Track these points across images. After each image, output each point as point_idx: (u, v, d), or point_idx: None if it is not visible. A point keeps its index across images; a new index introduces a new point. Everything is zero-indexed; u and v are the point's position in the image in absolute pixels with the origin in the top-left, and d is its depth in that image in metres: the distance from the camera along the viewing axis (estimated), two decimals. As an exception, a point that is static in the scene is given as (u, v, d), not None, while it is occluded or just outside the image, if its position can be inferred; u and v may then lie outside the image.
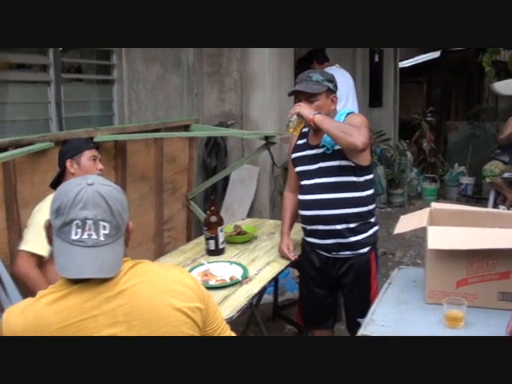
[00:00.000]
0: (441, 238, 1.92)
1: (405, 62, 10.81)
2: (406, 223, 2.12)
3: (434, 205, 2.28)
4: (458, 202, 6.84)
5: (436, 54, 10.34)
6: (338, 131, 2.38)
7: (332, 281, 2.69)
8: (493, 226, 2.04)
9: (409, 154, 7.41)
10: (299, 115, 2.47)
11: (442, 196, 7.18)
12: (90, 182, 1.28)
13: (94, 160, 2.70)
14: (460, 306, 1.83)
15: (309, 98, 2.52)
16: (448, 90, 11.49)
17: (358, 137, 2.34)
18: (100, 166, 2.70)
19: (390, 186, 6.95)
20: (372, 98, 8.33)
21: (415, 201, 7.18)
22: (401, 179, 6.95)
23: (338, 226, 2.55)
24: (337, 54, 6.68)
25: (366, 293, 2.59)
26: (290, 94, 2.67)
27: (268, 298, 3.91)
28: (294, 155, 2.73)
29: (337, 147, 2.51)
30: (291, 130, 2.53)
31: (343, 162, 2.52)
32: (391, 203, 6.96)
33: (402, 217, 2.21)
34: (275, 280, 3.57)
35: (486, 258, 1.95)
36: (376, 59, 8.81)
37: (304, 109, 2.47)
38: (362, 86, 7.75)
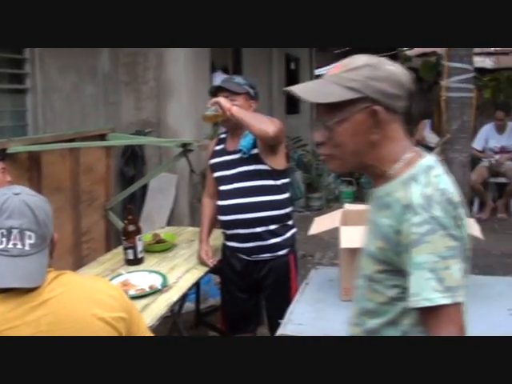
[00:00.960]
0: (353, 236, 1.99)
1: (321, 69, 11.09)
2: (320, 224, 2.18)
3: (347, 206, 2.36)
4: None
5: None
6: (251, 120, 2.46)
7: (253, 284, 2.73)
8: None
9: (326, 159, 7.59)
10: (218, 104, 2.51)
11: (359, 198, 7.38)
12: (16, 192, 1.28)
13: (3, 172, 2.60)
14: (373, 302, 1.90)
15: (229, 97, 2.57)
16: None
17: (270, 125, 2.44)
18: (8, 177, 2.61)
19: (308, 191, 7.09)
20: (289, 104, 8.49)
21: (333, 204, 7.36)
22: (318, 183, 7.12)
23: (258, 229, 2.59)
24: (253, 61, 6.79)
25: (287, 294, 2.63)
26: (211, 91, 2.69)
27: (190, 305, 3.89)
28: (212, 161, 2.76)
29: (253, 151, 2.57)
30: (206, 118, 2.59)
31: (260, 166, 2.58)
32: (310, 207, 7.10)
33: (316, 218, 2.28)
34: (197, 287, 3.57)
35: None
36: (292, 66, 9.00)
37: (223, 99, 2.52)
38: (278, 93, 7.90)
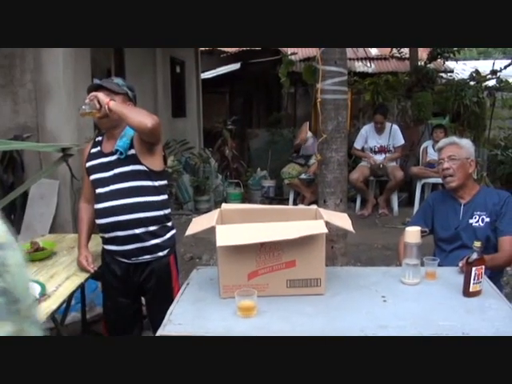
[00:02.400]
0: (229, 235, 2.03)
1: (207, 73, 11.14)
2: (197, 224, 2.20)
3: (224, 205, 2.39)
4: (262, 203, 7.20)
5: (237, 66, 10.80)
6: (129, 112, 2.45)
7: (135, 288, 2.69)
8: (279, 220, 2.20)
9: (213, 162, 7.65)
10: (96, 99, 2.46)
11: (247, 199, 7.50)
12: None
13: None
14: (251, 297, 1.95)
15: (108, 95, 2.53)
16: (249, 99, 12.08)
17: (148, 118, 2.44)
18: None
19: (196, 193, 7.09)
20: (175, 108, 8.46)
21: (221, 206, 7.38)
22: (206, 186, 7.14)
23: (137, 231, 2.57)
24: (136, 63, 6.69)
25: (169, 296, 2.62)
26: (89, 89, 2.62)
27: (77, 315, 3.78)
28: (88, 164, 2.70)
29: (130, 152, 2.55)
30: (83, 114, 2.52)
31: (137, 167, 2.56)
32: (198, 210, 7.08)
33: (194, 219, 2.29)
34: (82, 296, 3.47)
35: (272, 249, 2.10)
36: (178, 70, 8.96)
37: (101, 94, 2.48)
38: (163, 96, 7.85)
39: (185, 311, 2.02)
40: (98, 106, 2.46)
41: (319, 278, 2.19)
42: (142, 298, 2.85)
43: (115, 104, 2.46)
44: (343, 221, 2.39)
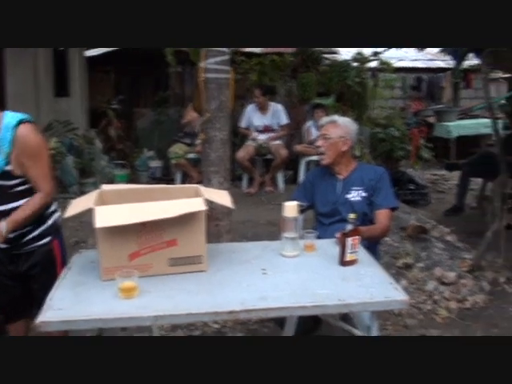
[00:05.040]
0: (108, 216, 2.00)
1: (92, 50, 10.69)
2: (76, 206, 2.14)
3: (104, 186, 2.35)
4: (149, 184, 7.09)
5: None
6: (27, 219, 2.43)
7: (20, 274, 2.58)
8: (161, 200, 2.20)
9: (98, 143, 7.42)
10: None
11: (134, 181, 7.32)
12: None
13: None
14: (131, 278, 1.94)
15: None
16: (137, 78, 11.78)
17: (41, 206, 2.44)
18: None
19: (81, 176, 6.85)
20: (58, 87, 8.09)
21: (102, 187, 7.19)
22: (91, 168, 6.91)
23: None
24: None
25: (54, 282, 2.54)
26: None
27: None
28: None
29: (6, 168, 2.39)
30: None
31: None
32: (84, 192, 6.77)
33: (72, 201, 2.23)
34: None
35: (154, 229, 2.10)
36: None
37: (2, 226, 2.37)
38: (45, 75, 7.49)
39: (65, 296, 1.98)
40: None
41: (201, 255, 2.22)
42: None
43: (7, 227, 2.34)
44: (223, 198, 2.43)
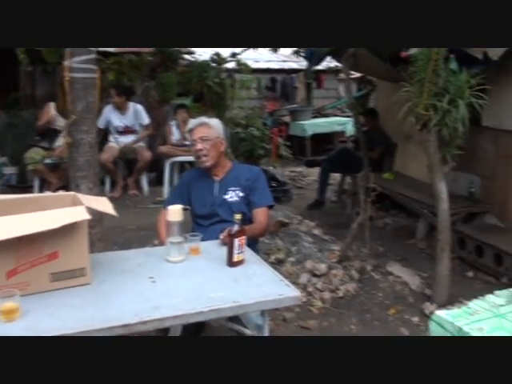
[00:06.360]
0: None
1: None
2: None
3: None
4: (4, 193, 6.60)
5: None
6: None
7: None
8: (33, 210, 2.02)
9: None
10: None
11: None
12: None
13: None
14: (12, 298, 1.77)
15: None
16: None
17: None
18: None
19: None
20: None
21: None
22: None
23: None
24: None
25: None
26: None
27: None
28: None
29: None
30: None
31: None
32: None
33: None
34: None
35: (32, 243, 1.93)
36: None
37: None
38: None
39: None
40: None
41: (84, 267, 2.10)
42: None
43: None
44: (104, 205, 2.30)
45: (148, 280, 2.21)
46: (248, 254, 2.47)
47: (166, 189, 6.76)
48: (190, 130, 3.09)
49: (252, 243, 2.95)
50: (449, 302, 3.53)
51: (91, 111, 3.37)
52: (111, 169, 6.62)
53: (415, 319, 3.67)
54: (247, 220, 2.98)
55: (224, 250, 2.42)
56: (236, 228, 2.37)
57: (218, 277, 2.25)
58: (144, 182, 7.01)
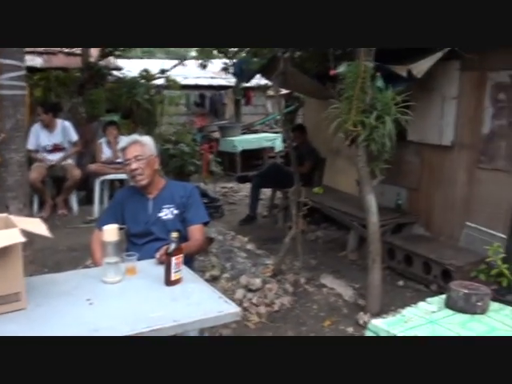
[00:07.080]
0: None
1: None
2: None
3: None
4: None
5: None
6: None
7: None
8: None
9: None
10: None
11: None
12: None
13: None
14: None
15: None
16: None
17: None
18: None
19: None
20: None
21: None
22: None
23: None
24: None
25: None
26: None
27: None
28: None
29: None
30: None
31: None
32: None
33: None
34: None
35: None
36: None
37: None
38: None
39: None
40: None
41: (19, 292, 2.04)
42: None
43: None
44: (38, 226, 2.26)
45: (85, 302, 2.17)
46: (185, 272, 2.48)
47: (96, 208, 6.64)
48: (123, 149, 3.06)
49: (188, 261, 2.96)
50: (382, 311, 3.65)
51: (20, 129, 3.30)
52: (40, 188, 6.44)
53: (350, 329, 3.77)
54: (182, 238, 2.98)
55: (161, 269, 2.42)
56: (173, 246, 2.37)
57: (157, 296, 2.24)
58: (73, 201, 6.87)
